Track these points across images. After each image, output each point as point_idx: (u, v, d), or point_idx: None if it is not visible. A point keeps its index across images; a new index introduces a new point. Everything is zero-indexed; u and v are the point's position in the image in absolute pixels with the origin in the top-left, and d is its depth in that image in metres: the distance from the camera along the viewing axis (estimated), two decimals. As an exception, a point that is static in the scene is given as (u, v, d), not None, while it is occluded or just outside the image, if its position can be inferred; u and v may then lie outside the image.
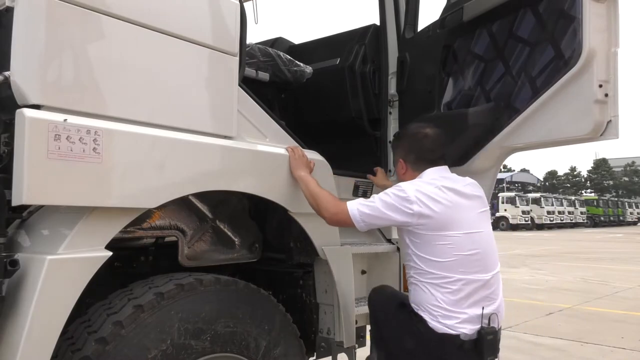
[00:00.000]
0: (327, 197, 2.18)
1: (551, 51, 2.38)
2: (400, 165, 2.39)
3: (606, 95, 2.19)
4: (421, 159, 2.31)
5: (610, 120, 2.20)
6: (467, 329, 2.08)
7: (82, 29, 1.59)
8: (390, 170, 3.01)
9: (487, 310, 2.10)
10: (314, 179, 2.22)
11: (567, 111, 2.27)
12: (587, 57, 2.18)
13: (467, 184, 2.29)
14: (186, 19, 1.89)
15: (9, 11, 1.58)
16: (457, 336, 2.08)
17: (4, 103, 1.56)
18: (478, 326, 2.09)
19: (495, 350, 2.13)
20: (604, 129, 2.20)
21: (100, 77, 1.63)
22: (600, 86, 2.18)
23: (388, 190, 2.20)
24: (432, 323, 2.11)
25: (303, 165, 2.22)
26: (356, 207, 2.16)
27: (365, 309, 2.60)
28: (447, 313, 2.09)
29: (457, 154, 2.70)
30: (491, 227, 2.32)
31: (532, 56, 2.47)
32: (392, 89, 3.11)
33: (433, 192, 2.14)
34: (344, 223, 2.20)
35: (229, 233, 2.29)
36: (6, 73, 1.53)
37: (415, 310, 2.19)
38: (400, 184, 2.23)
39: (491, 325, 2.11)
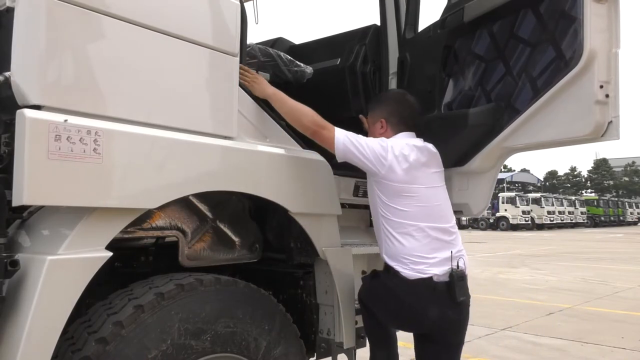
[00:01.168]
0: (310, 110, 2.27)
1: (552, 52, 2.37)
2: (381, 124, 2.53)
3: (607, 96, 2.18)
4: (402, 123, 2.51)
5: (611, 121, 2.19)
6: (438, 271, 2.24)
7: (82, 30, 1.59)
8: None
9: (455, 252, 2.29)
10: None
11: (568, 112, 2.27)
12: (587, 57, 2.17)
13: (428, 145, 2.48)
14: (186, 19, 1.89)
15: (9, 11, 1.58)
16: (429, 278, 2.23)
17: (4, 103, 1.56)
18: (448, 268, 2.25)
19: (466, 291, 2.29)
20: (605, 130, 2.20)
21: (100, 77, 1.63)
22: (601, 87, 2.17)
23: (372, 138, 2.39)
24: (405, 272, 2.26)
25: (265, 83, 2.26)
26: (344, 134, 2.28)
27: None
28: (417, 259, 2.25)
29: (457, 154, 2.70)
30: (445, 185, 2.50)
31: (533, 57, 2.46)
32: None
33: (405, 149, 2.35)
34: (325, 140, 2.29)
35: (229, 233, 2.29)
36: (7, 73, 1.53)
37: (389, 263, 2.33)
38: (382, 137, 2.41)
39: (460, 268, 2.27)
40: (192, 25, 1.90)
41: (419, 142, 2.47)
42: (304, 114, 2.28)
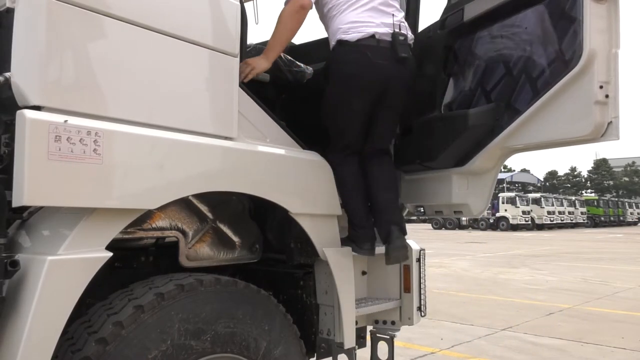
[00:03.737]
0: (283, 17, 2.39)
1: (552, 52, 2.38)
2: None
3: (607, 96, 2.18)
4: None
5: (611, 122, 2.19)
6: (379, 30, 2.45)
7: (82, 30, 1.60)
8: None
9: (396, 20, 2.50)
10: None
11: (568, 112, 2.27)
12: (587, 58, 2.17)
13: None
14: (186, 19, 1.89)
15: (9, 12, 1.58)
16: (372, 35, 2.44)
17: (4, 104, 1.56)
18: (389, 30, 2.46)
19: (408, 50, 2.49)
20: (605, 130, 2.20)
21: (100, 78, 1.63)
22: (601, 87, 2.17)
23: None
24: (349, 36, 2.45)
25: (257, 59, 2.35)
26: None
27: (365, 310, 2.60)
28: (359, 24, 2.45)
29: (458, 154, 2.70)
30: None
31: (533, 57, 2.46)
32: (393, 89, 3.09)
33: None
34: (305, 9, 2.40)
35: (230, 233, 2.29)
36: (7, 74, 1.53)
37: (336, 38, 2.49)
38: None
39: (401, 31, 2.48)
40: (192, 25, 1.90)
41: None
42: (284, 19, 2.39)
